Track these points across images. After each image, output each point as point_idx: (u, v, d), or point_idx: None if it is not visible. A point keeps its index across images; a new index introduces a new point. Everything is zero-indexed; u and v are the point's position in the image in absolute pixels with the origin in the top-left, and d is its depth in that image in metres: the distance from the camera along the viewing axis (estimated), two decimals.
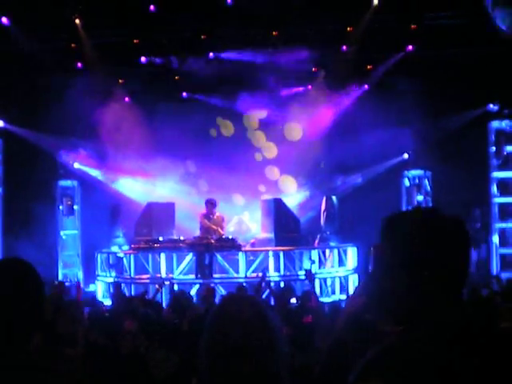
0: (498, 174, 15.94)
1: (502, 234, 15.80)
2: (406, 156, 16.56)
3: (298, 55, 15.80)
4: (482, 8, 14.55)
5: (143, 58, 16.27)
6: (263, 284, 10.67)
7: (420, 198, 16.36)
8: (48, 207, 16.19)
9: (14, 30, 14.94)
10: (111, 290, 13.40)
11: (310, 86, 16.85)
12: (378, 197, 15.23)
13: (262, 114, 16.89)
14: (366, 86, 16.61)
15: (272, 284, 12.14)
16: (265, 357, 1.96)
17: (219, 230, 13.97)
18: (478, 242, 15.72)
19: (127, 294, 12.79)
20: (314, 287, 10.27)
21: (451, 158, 15.10)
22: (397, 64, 15.88)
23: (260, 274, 12.56)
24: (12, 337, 2.29)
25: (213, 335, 2.02)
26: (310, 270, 10.43)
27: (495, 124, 15.95)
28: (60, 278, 16.21)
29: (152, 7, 14.88)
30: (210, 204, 14.13)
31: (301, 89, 16.77)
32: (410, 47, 15.82)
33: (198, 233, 14.11)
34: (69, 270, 16.66)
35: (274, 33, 15.86)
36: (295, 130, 16.83)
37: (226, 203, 15.58)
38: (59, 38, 15.80)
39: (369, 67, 16.59)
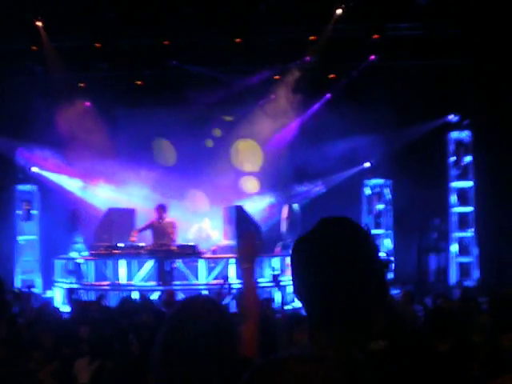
0: (457, 184, 16.17)
1: (461, 243, 16.01)
2: (367, 165, 16.70)
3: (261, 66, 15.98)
4: (443, 20, 14.84)
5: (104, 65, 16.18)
6: (224, 290, 10.63)
7: (380, 206, 16.51)
8: (5, 212, 15.91)
9: None
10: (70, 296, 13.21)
11: (273, 96, 16.85)
12: (340, 205, 15.32)
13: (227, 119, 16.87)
14: (329, 96, 16.70)
15: (234, 291, 12.08)
16: (212, 357, 1.93)
17: (170, 235, 13.81)
18: (437, 250, 15.94)
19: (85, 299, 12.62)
20: (283, 292, 10.28)
21: (412, 167, 15.29)
22: (359, 74, 15.99)
23: (221, 281, 12.56)
24: None
25: (166, 331, 1.99)
26: (277, 276, 10.41)
27: (455, 134, 16.20)
28: (17, 283, 15.94)
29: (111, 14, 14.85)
30: (161, 209, 14.00)
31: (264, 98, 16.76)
32: (373, 57, 15.97)
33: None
34: (27, 275, 16.35)
35: (237, 40, 15.89)
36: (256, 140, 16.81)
37: (186, 210, 15.51)
38: (20, 40, 15.56)
39: (331, 76, 16.70)
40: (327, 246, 1.82)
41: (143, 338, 5.83)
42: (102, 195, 16.46)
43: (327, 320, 1.77)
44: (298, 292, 1.85)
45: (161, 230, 13.85)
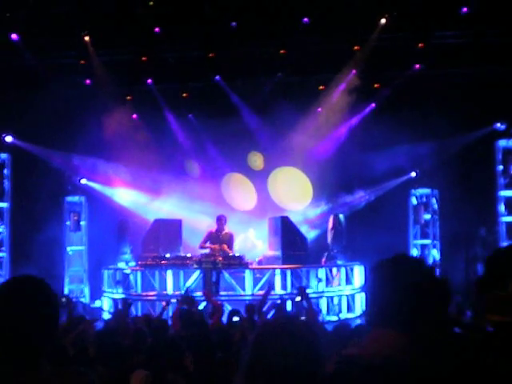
0: (505, 193, 15.93)
1: None
2: (413, 174, 16.56)
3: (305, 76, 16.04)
4: (489, 27, 14.68)
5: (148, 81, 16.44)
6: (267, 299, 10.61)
7: (427, 216, 16.34)
8: (55, 223, 16.23)
9: (24, 45, 15.07)
10: (119, 306, 13.37)
11: (319, 107, 16.83)
12: (386, 215, 15.27)
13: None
14: (374, 105, 16.64)
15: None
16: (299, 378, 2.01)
17: (226, 248, 13.95)
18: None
19: (133, 312, 12.75)
20: (310, 304, 10.25)
21: (458, 176, 15.10)
22: (404, 83, 15.90)
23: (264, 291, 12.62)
24: (24, 359, 2.28)
25: (253, 366, 2.05)
26: (304, 288, 10.38)
27: (502, 143, 15.97)
28: (66, 293, 16.21)
29: (157, 29, 15.10)
30: (220, 220, 14.15)
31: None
32: (418, 66, 15.88)
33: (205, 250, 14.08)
34: (75, 285, 16.64)
35: (281, 51, 15.98)
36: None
37: (231, 220, 15.59)
38: (68, 55, 15.92)
39: (376, 86, 16.65)
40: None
41: (195, 351, 5.88)
42: (148, 206, 16.65)
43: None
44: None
45: (219, 240, 13.97)
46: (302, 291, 9.59)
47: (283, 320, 2.25)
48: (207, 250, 13.95)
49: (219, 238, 14.10)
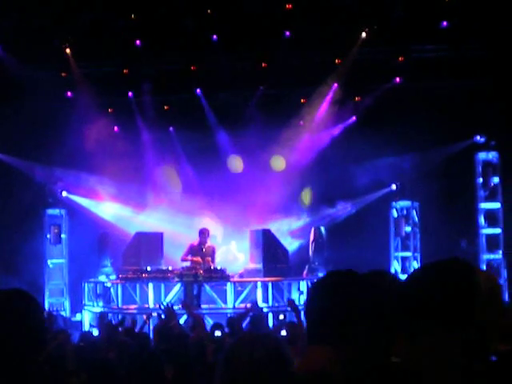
0: (486, 205, 16.04)
1: (490, 265, 15.84)
2: (394, 187, 16.64)
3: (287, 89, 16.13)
4: (468, 41, 14.87)
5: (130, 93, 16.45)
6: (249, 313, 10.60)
7: (408, 229, 16.41)
8: (36, 235, 16.12)
9: (5, 57, 15.03)
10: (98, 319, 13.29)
11: (300, 120, 16.90)
12: (367, 227, 15.33)
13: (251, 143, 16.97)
14: (354, 118, 16.73)
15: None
16: None
17: (209, 261, 13.92)
18: None
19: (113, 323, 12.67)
20: (299, 317, 10.25)
21: (439, 189, 15.18)
22: (385, 96, 16.02)
23: (248, 305, 12.59)
24: (11, 372, 2.27)
25: (224, 378, 2.08)
26: (293, 300, 10.40)
27: (482, 155, 16.09)
28: (46, 307, 16.08)
29: (138, 42, 15.14)
30: (203, 234, 14.12)
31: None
32: (398, 79, 16.03)
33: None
34: (55, 299, 16.52)
35: (263, 65, 16.07)
36: (280, 161, 16.81)
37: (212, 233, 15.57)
38: (49, 67, 15.87)
39: (357, 99, 16.76)
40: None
41: (175, 364, 5.87)
42: (129, 219, 16.58)
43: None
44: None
45: (202, 254, 13.93)
46: (291, 304, 9.62)
47: (254, 335, 2.29)
48: (188, 263, 13.92)
49: (202, 251, 14.06)
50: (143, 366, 6.23)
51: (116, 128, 17.03)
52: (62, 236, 16.66)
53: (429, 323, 1.82)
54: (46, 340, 2.46)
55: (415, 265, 16.44)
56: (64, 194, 16.65)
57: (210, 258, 14.01)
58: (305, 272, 14.53)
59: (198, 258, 13.87)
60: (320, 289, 2.15)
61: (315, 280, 2.39)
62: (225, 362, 2.14)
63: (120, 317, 12.96)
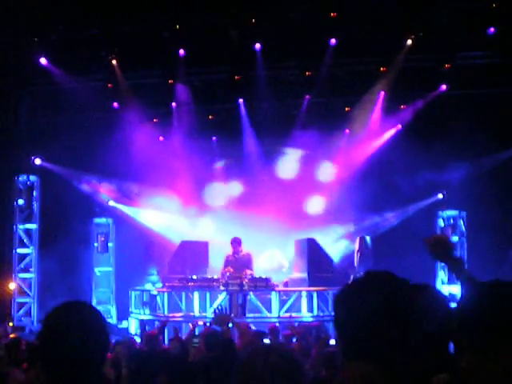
0: None
1: None
2: (440, 196, 16.43)
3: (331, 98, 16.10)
4: None
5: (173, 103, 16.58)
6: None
7: (455, 238, 16.17)
8: (82, 244, 16.38)
9: (53, 69, 15.32)
10: (146, 327, 13.42)
11: (347, 130, 16.84)
12: (413, 237, 15.13)
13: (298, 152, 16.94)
14: (400, 126, 16.58)
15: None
16: None
17: (246, 270, 13.88)
18: None
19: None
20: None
21: (486, 197, 14.94)
22: (430, 104, 15.86)
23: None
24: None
25: None
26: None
27: None
28: None
29: (182, 51, 15.26)
30: (235, 243, 14.13)
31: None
32: (444, 87, 15.81)
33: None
34: (102, 306, 16.72)
35: (307, 73, 16.05)
36: (329, 171, 16.75)
37: (256, 241, 15.58)
38: (96, 78, 16.13)
39: (402, 107, 16.61)
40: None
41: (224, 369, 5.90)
42: (174, 228, 16.72)
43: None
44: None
45: (237, 263, 13.96)
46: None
47: (269, 345, 2.35)
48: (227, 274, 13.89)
49: (237, 260, 14.07)
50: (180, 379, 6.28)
51: (161, 137, 17.21)
52: (109, 244, 16.90)
53: (503, 339, 1.79)
54: (108, 350, 2.50)
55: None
56: (111, 203, 16.89)
57: (246, 267, 13.94)
58: (350, 282, 14.42)
59: (229, 268, 13.85)
60: (356, 292, 2.04)
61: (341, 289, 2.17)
62: (241, 370, 2.16)
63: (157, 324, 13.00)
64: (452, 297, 15.69)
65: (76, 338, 2.33)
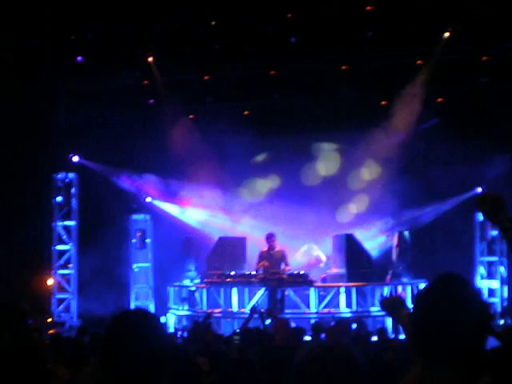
0: None
1: None
2: (479, 190, 16.22)
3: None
4: None
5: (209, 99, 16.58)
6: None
7: (494, 233, 15.96)
8: (121, 241, 16.52)
9: (89, 67, 15.45)
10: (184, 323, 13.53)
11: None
12: (452, 231, 15.03)
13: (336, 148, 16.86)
14: (438, 119, 16.37)
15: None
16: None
17: (284, 266, 13.90)
18: None
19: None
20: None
21: None
22: (469, 96, 15.67)
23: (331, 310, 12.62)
24: None
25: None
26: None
27: None
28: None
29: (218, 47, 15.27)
30: (270, 238, 14.15)
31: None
32: (483, 79, 15.58)
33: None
34: (141, 302, 16.86)
35: (343, 67, 15.95)
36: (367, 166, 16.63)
37: (295, 237, 15.56)
38: (132, 76, 16.24)
39: (439, 100, 16.42)
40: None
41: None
42: (212, 224, 16.77)
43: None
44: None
45: (272, 259, 13.99)
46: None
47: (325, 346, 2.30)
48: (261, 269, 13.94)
49: (271, 256, 14.09)
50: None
51: (198, 134, 17.23)
52: (147, 241, 17.02)
53: None
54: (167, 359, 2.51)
55: (502, 270, 16.02)
56: (148, 199, 17.01)
57: (282, 262, 13.98)
58: (388, 277, 14.34)
59: (265, 262, 13.89)
60: (440, 297, 2.04)
61: (425, 286, 2.21)
62: (298, 375, 2.15)
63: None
64: (491, 292, 15.57)
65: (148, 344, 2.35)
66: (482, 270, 16.25)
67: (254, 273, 13.71)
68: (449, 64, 15.16)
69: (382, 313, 13.11)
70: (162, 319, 15.66)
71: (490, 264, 16.25)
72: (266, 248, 14.22)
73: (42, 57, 15.34)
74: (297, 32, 15.14)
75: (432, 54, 15.13)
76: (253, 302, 13.42)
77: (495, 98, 15.27)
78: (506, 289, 15.87)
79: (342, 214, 15.92)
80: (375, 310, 13.32)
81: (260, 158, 17.15)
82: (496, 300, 15.84)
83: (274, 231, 14.47)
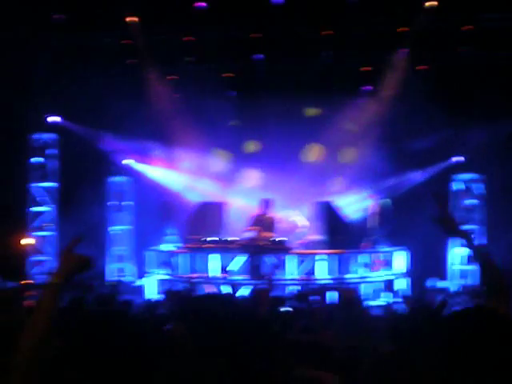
0: None
1: None
2: (458, 159, 16.36)
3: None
4: None
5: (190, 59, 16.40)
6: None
7: (472, 201, 16.16)
8: (100, 202, 16.40)
9: (67, 25, 15.11)
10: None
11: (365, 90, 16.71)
12: (430, 200, 15.13)
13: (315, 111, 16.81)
14: (420, 88, 16.38)
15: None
16: None
17: (266, 234, 13.96)
18: None
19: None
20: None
21: (505, 161, 14.88)
22: (451, 65, 15.70)
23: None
24: None
25: None
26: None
27: None
28: (110, 272, 16.48)
29: (199, 4, 14.97)
30: (265, 204, 14.16)
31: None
32: (464, 49, 15.61)
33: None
34: (119, 264, 16.86)
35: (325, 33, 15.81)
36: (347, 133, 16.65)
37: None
38: (112, 35, 15.93)
39: (421, 67, 16.41)
40: None
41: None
42: (193, 188, 16.73)
43: None
44: None
45: (263, 224, 14.01)
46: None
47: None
48: (251, 233, 14.03)
49: (261, 221, 14.14)
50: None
51: (177, 95, 17.08)
52: (126, 203, 16.92)
53: None
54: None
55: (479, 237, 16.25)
56: (126, 162, 16.86)
57: (269, 228, 14.07)
58: (366, 244, 14.49)
59: (257, 227, 13.96)
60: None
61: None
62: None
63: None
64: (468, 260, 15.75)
65: None
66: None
67: (233, 239, 13.74)
68: (432, 32, 15.10)
69: (358, 280, 13.37)
70: (139, 282, 15.71)
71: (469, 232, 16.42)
72: (258, 212, 14.22)
73: (18, 12, 14.93)
74: None
75: (415, 22, 15.06)
76: (230, 267, 13.49)
77: (477, 67, 15.30)
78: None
79: (325, 181, 15.92)
80: (353, 276, 13.51)
81: (234, 122, 16.99)
82: (473, 268, 16.12)
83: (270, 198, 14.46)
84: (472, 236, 3.15)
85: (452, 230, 3.21)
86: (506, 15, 14.81)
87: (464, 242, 3.15)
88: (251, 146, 16.96)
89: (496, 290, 2.89)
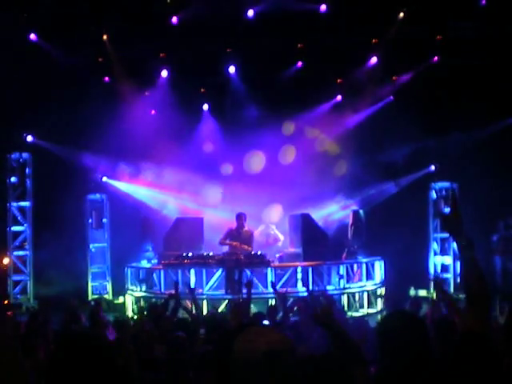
0: None
1: None
2: (432, 168, 16.51)
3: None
4: (507, 19, 14.56)
5: (164, 73, 16.51)
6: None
7: (448, 210, 16.24)
8: (77, 221, 16.34)
9: (43, 44, 15.15)
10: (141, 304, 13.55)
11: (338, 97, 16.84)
12: (406, 209, 15.28)
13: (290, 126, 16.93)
14: (392, 97, 16.58)
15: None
16: None
17: (246, 246, 14.04)
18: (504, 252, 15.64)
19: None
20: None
21: (479, 169, 15.03)
22: (422, 75, 15.87)
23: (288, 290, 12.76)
24: None
25: None
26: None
27: None
28: (89, 290, 16.44)
29: (175, 19, 15.09)
30: (240, 218, 14.22)
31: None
32: (436, 58, 15.82)
33: (225, 247, 14.21)
34: (98, 282, 16.81)
35: (299, 45, 15.97)
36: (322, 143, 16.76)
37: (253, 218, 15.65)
38: (87, 54, 15.96)
39: (394, 78, 16.61)
40: None
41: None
42: (170, 204, 16.76)
43: None
44: None
45: (240, 238, 14.06)
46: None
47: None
48: (226, 248, 14.08)
49: (240, 235, 14.19)
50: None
51: (153, 111, 17.14)
52: (104, 221, 16.90)
53: None
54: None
55: (454, 246, 16.36)
56: (104, 179, 16.85)
57: (247, 242, 14.13)
58: (344, 255, 14.57)
59: (236, 243, 14.02)
60: None
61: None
62: None
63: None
64: (444, 267, 15.93)
65: None
66: (435, 246, 16.62)
67: (211, 254, 13.74)
68: (404, 43, 15.27)
69: (338, 291, 13.41)
70: (120, 299, 15.68)
71: (442, 240, 16.63)
72: (234, 226, 14.26)
73: None
74: (253, 9, 15.08)
75: (387, 33, 15.24)
76: (211, 283, 13.50)
77: (448, 76, 15.47)
78: (458, 264, 16.24)
79: (297, 193, 15.97)
80: (331, 288, 13.55)
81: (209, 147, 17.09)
82: (449, 276, 16.28)
83: (243, 212, 14.50)
84: (472, 243, 3.11)
85: (455, 230, 3.19)
86: (475, 24, 15.02)
87: (458, 246, 3.15)
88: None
89: (477, 299, 2.90)
